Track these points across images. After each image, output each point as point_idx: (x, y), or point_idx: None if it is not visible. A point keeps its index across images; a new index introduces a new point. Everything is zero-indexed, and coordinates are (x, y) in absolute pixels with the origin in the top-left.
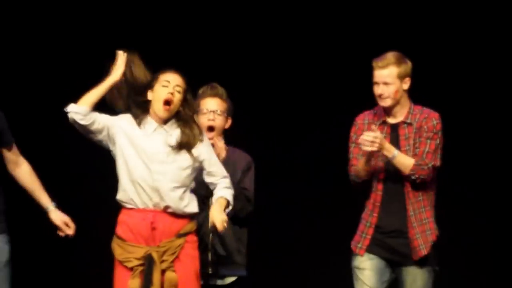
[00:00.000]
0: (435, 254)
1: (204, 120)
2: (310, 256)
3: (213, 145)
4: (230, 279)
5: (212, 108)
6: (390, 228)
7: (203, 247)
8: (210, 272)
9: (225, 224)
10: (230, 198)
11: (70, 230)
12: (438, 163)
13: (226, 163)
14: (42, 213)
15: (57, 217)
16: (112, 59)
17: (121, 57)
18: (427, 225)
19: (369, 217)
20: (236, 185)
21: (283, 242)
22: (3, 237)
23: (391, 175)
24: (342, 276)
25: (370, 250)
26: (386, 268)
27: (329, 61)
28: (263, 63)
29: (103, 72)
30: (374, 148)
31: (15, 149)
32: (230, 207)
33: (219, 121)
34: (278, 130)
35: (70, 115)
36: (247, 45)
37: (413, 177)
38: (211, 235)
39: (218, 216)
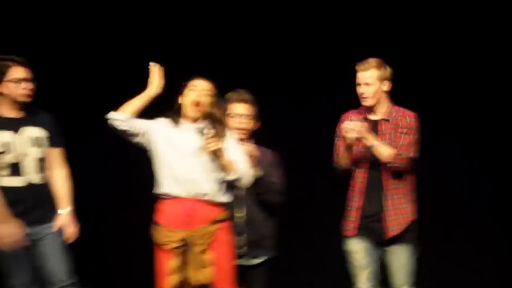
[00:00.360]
0: (412, 235)
1: (232, 123)
2: (327, 242)
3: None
4: (259, 260)
5: (240, 112)
6: (371, 212)
7: (237, 231)
8: (242, 253)
9: (211, 146)
10: (239, 168)
11: (65, 234)
12: (414, 155)
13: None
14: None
15: (59, 220)
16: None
17: (155, 70)
18: (401, 209)
19: (354, 203)
20: (265, 179)
21: (306, 229)
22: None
23: (373, 165)
24: None
25: (358, 234)
26: (374, 249)
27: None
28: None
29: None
30: (354, 135)
31: (60, 153)
32: (233, 175)
33: (246, 124)
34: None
35: (110, 121)
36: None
37: (390, 165)
38: (244, 221)
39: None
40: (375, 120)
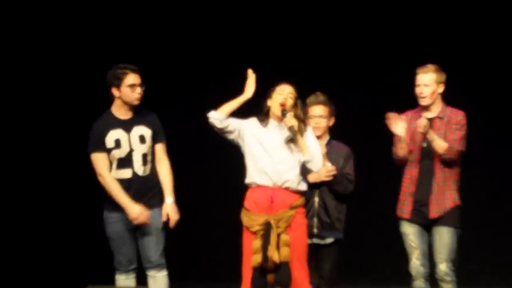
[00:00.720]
0: (454, 218)
1: (311, 123)
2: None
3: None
4: (330, 240)
5: (317, 114)
6: (420, 197)
7: (311, 215)
8: (315, 233)
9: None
10: (311, 151)
11: (171, 222)
12: (463, 148)
13: (329, 152)
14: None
15: (166, 208)
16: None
17: (252, 77)
18: (446, 195)
19: (408, 189)
20: (340, 171)
21: (371, 214)
22: (159, 209)
23: (426, 156)
24: None
25: (410, 217)
26: (424, 231)
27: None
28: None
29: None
30: (422, 130)
31: (162, 148)
32: (306, 156)
33: (323, 123)
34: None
35: (210, 120)
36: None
37: (444, 157)
38: (317, 205)
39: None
40: (430, 118)
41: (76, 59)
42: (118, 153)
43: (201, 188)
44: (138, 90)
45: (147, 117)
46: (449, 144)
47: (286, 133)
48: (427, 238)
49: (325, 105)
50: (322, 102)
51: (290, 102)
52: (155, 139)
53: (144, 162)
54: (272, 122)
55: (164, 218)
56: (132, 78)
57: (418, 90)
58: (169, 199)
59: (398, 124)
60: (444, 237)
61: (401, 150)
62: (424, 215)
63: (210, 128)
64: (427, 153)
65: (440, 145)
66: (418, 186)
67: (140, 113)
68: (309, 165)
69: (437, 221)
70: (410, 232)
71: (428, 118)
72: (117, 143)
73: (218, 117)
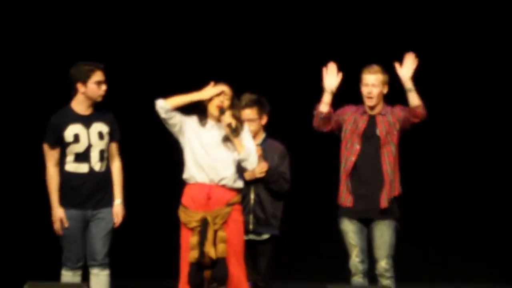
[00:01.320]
0: (397, 210)
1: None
2: (324, 222)
3: None
4: (265, 236)
5: (246, 117)
6: (365, 185)
7: (247, 211)
8: (251, 229)
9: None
10: (247, 150)
11: (116, 223)
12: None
13: (264, 150)
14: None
15: (114, 211)
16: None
17: (215, 89)
18: (393, 183)
19: (349, 177)
20: (275, 169)
21: (307, 211)
22: (111, 209)
23: (367, 145)
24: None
25: (353, 206)
26: (363, 227)
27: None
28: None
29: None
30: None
31: (116, 147)
32: (242, 154)
33: (253, 126)
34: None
35: (156, 107)
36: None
37: (417, 110)
38: (252, 202)
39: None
40: (373, 115)
41: (36, 54)
42: (77, 148)
43: (140, 185)
44: (103, 87)
45: (106, 115)
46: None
47: (224, 132)
48: (366, 234)
49: (253, 107)
50: (250, 104)
51: (226, 103)
52: (111, 137)
53: (101, 158)
54: (210, 121)
55: (114, 219)
56: (99, 75)
57: (366, 89)
58: (118, 199)
59: (332, 77)
60: (385, 233)
61: (325, 106)
62: (369, 203)
63: (155, 114)
64: (369, 141)
65: (417, 97)
66: (361, 175)
67: (99, 111)
68: (244, 164)
69: (379, 214)
70: (350, 230)
71: (370, 115)
72: (76, 138)
73: (164, 107)
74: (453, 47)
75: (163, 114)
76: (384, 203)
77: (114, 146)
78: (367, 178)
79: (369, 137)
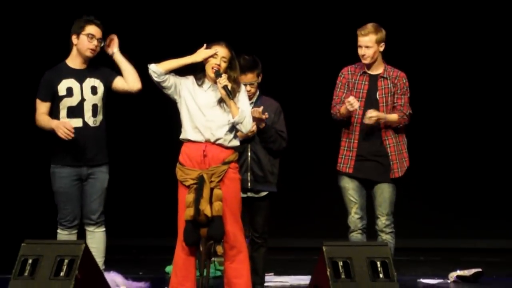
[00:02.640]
0: (402, 176)
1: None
2: (320, 178)
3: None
4: (263, 193)
5: (247, 81)
6: (370, 155)
7: (244, 169)
8: (249, 187)
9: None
10: (241, 113)
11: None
12: (411, 111)
13: (259, 107)
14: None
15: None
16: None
17: (207, 53)
18: (402, 154)
19: (350, 144)
20: (272, 128)
21: (302, 169)
22: (106, 167)
23: (369, 108)
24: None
25: (353, 172)
26: (362, 186)
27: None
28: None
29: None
30: (372, 122)
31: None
32: (236, 118)
33: (254, 89)
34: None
35: (149, 71)
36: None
37: (400, 125)
38: (250, 160)
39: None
40: (374, 75)
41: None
42: (70, 101)
43: (138, 145)
44: (95, 42)
45: (100, 70)
46: (398, 113)
47: (220, 94)
48: (365, 192)
49: (252, 71)
50: (248, 68)
51: (223, 65)
52: (110, 81)
53: (94, 113)
54: (207, 82)
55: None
56: (92, 29)
57: (360, 51)
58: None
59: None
60: (385, 191)
61: (341, 116)
62: (369, 171)
63: (147, 80)
64: (370, 105)
65: (392, 120)
66: (363, 142)
67: (94, 67)
68: (238, 127)
69: (383, 178)
70: (350, 187)
71: (371, 74)
72: (69, 92)
73: (157, 70)
74: (455, 46)
75: (156, 78)
76: (391, 174)
77: (118, 78)
78: (367, 145)
79: (370, 100)
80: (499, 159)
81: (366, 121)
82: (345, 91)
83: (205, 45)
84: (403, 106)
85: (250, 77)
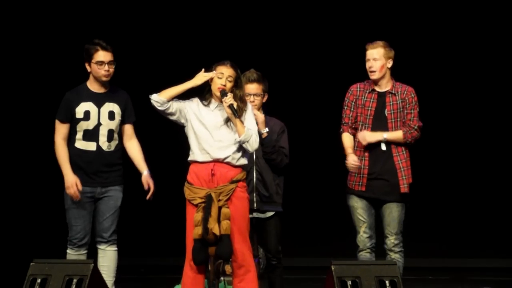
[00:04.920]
0: (407, 194)
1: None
2: (328, 197)
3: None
4: (269, 214)
5: (252, 92)
6: (381, 172)
7: (250, 189)
8: (254, 207)
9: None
10: (247, 132)
11: (149, 191)
12: (421, 124)
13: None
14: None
15: (144, 179)
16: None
17: (206, 76)
18: (408, 170)
19: (361, 162)
20: (273, 139)
21: (309, 188)
22: (120, 187)
23: (378, 130)
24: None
25: (364, 191)
26: (370, 205)
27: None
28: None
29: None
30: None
31: (131, 129)
32: (242, 137)
33: (258, 101)
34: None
35: (151, 102)
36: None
37: (408, 141)
38: (255, 180)
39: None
40: (383, 92)
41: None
42: (86, 125)
43: (148, 164)
44: (106, 67)
45: (119, 95)
46: (405, 128)
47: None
48: (374, 211)
49: (259, 83)
50: (256, 80)
51: (229, 85)
52: (125, 119)
53: (110, 138)
54: (213, 102)
55: (145, 187)
56: (101, 55)
57: (368, 64)
58: (145, 171)
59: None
60: (394, 210)
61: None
62: (380, 188)
63: (152, 108)
64: (379, 122)
65: (397, 137)
66: (375, 159)
67: (113, 91)
68: (245, 146)
69: (391, 196)
70: (359, 206)
71: (379, 92)
72: (86, 115)
73: (159, 100)
74: (459, 45)
75: (159, 107)
76: (405, 188)
77: (129, 128)
78: (378, 163)
79: (379, 117)
80: (510, 178)
81: (363, 142)
82: (353, 109)
83: (203, 69)
84: (412, 121)
85: (255, 87)
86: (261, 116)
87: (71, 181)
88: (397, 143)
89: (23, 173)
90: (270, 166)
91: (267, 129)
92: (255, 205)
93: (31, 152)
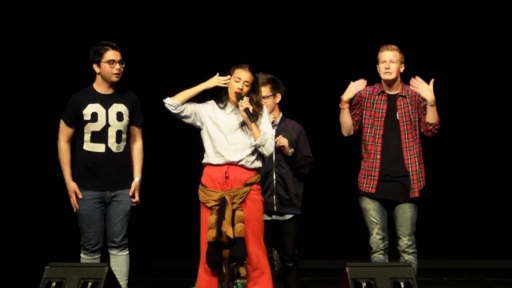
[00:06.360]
0: (420, 196)
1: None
2: (341, 200)
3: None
4: (288, 216)
5: (265, 95)
6: (392, 175)
7: (269, 193)
8: (274, 210)
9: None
10: (263, 136)
11: (134, 200)
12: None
13: (283, 129)
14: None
15: (133, 186)
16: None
17: (221, 80)
18: (421, 173)
19: (372, 164)
20: (295, 148)
21: (322, 191)
22: (128, 191)
23: (390, 131)
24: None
25: (374, 193)
26: (383, 206)
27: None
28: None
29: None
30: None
31: (138, 130)
32: (258, 141)
33: (269, 101)
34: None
35: (165, 106)
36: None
37: (434, 127)
38: (275, 183)
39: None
40: (393, 95)
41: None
42: (94, 126)
43: (161, 167)
44: (117, 66)
45: (127, 96)
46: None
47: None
48: (386, 212)
49: (265, 85)
50: (263, 83)
51: (245, 89)
52: (132, 120)
53: (118, 139)
54: (229, 105)
55: (130, 194)
56: (111, 54)
57: (384, 65)
58: (137, 178)
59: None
60: (406, 212)
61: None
62: (392, 190)
63: (167, 112)
64: (390, 125)
65: (436, 114)
66: (386, 162)
67: (120, 91)
68: (260, 149)
69: (403, 197)
70: (371, 208)
71: (389, 94)
72: (94, 117)
73: (173, 103)
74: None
75: (173, 110)
76: (411, 194)
77: (136, 129)
78: (389, 165)
79: (390, 120)
80: None
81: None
82: (357, 108)
83: (218, 73)
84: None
85: (262, 90)
86: (285, 141)
87: (71, 189)
88: (408, 147)
89: (37, 176)
90: (296, 175)
91: (292, 150)
92: (275, 207)
93: (45, 155)
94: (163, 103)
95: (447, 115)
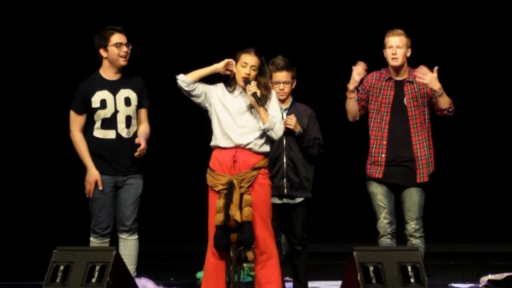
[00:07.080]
0: (429, 180)
1: (276, 89)
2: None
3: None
4: (299, 200)
5: (281, 80)
6: (399, 159)
7: (280, 176)
8: (285, 193)
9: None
10: (272, 120)
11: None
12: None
13: (293, 113)
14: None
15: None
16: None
17: (230, 64)
18: (430, 158)
19: (378, 150)
20: (305, 131)
21: (330, 175)
22: (141, 175)
23: (396, 117)
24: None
25: (382, 177)
26: (390, 191)
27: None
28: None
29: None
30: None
31: (145, 113)
32: (266, 124)
33: (287, 89)
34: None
35: (178, 82)
36: None
37: (448, 110)
38: (285, 166)
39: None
40: (400, 80)
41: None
42: (103, 113)
43: (169, 151)
44: (124, 48)
45: (134, 81)
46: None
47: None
48: (394, 197)
49: (288, 70)
50: (285, 67)
51: (253, 74)
52: (139, 104)
53: (128, 124)
54: (238, 88)
55: (136, 142)
56: (118, 37)
57: (390, 51)
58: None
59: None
60: (414, 196)
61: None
62: (400, 174)
63: (178, 89)
64: (397, 111)
65: (447, 99)
66: (393, 146)
67: (127, 76)
68: (269, 133)
69: (411, 182)
70: (379, 192)
71: (396, 80)
72: (103, 103)
73: (186, 80)
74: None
75: (185, 87)
76: (419, 178)
77: (143, 112)
78: (396, 150)
79: (398, 106)
80: None
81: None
82: (363, 93)
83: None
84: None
85: (284, 75)
86: (293, 121)
87: (93, 178)
88: (417, 132)
89: (46, 161)
90: (305, 156)
91: (300, 129)
92: (285, 190)
93: (54, 141)
94: (175, 80)
95: (458, 101)
